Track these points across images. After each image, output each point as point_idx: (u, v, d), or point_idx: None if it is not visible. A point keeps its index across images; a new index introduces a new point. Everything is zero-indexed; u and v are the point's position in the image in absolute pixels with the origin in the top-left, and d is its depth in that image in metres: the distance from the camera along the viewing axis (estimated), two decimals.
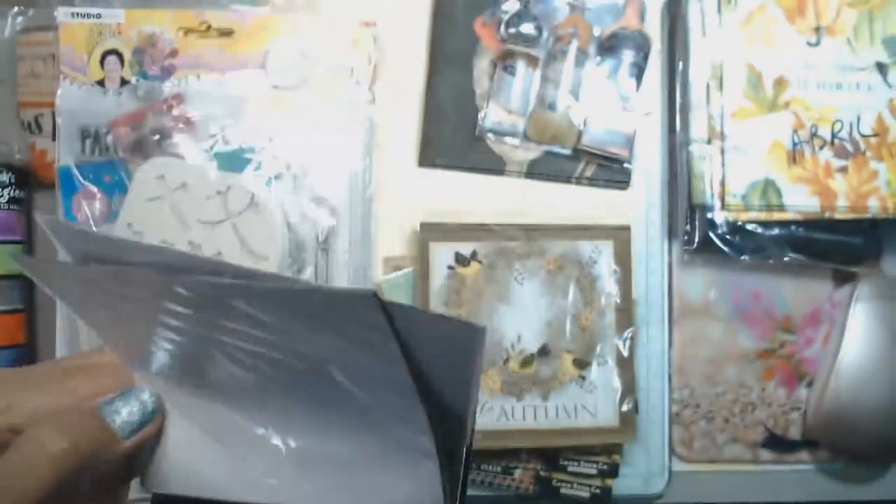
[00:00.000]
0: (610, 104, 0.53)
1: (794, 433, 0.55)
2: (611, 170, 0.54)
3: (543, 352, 0.52)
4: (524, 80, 0.53)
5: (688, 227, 0.53)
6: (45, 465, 0.22)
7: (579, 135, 0.53)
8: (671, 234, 0.55)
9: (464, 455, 0.25)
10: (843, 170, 0.52)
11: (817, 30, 0.53)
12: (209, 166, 0.49)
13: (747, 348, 0.55)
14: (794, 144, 0.52)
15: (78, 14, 0.51)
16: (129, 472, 0.27)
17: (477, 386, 0.23)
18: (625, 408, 0.52)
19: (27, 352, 0.54)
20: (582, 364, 0.52)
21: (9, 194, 0.52)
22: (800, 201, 0.52)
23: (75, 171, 0.50)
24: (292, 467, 0.26)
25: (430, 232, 0.52)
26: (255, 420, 0.26)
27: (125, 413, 0.24)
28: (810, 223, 0.52)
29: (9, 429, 0.23)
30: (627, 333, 0.52)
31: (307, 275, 0.49)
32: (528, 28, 0.53)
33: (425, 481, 0.25)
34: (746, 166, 0.52)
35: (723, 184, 0.52)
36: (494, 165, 0.53)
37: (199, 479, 0.26)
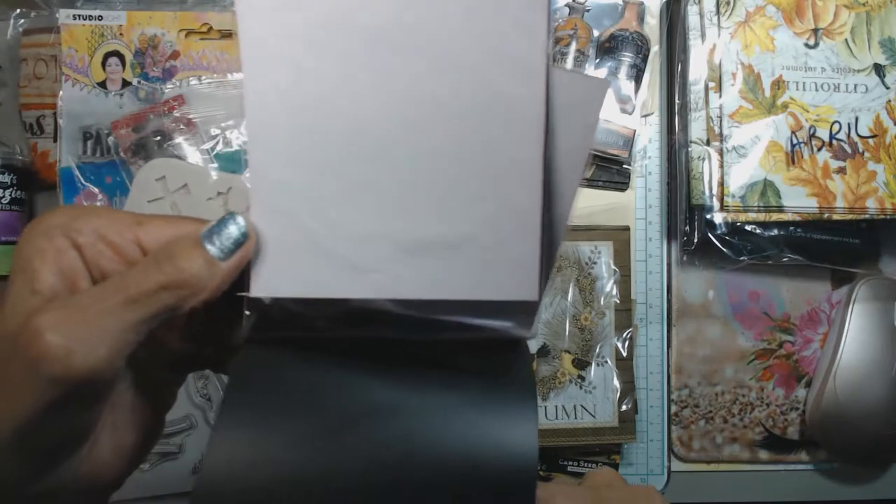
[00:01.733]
0: (609, 106, 0.53)
1: (793, 433, 0.55)
2: (610, 171, 0.54)
3: (543, 352, 0.52)
4: None
5: (687, 227, 0.54)
6: (153, 281, 0.23)
7: None
8: (670, 234, 0.55)
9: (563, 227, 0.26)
10: (842, 171, 0.52)
11: (815, 32, 0.53)
12: (210, 167, 0.49)
13: (746, 348, 0.55)
14: (793, 146, 0.52)
15: (80, 16, 0.51)
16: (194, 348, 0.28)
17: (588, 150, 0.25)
18: (624, 408, 0.52)
19: None
20: (581, 364, 0.52)
21: (10, 195, 0.52)
22: (798, 202, 0.52)
23: (77, 172, 0.51)
24: (402, 255, 0.25)
25: None
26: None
27: (222, 237, 0.25)
28: (809, 224, 0.52)
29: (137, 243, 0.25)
30: (627, 334, 0.52)
31: None
32: None
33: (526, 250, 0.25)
34: (745, 167, 0.52)
35: (721, 185, 0.52)
36: None
37: (307, 277, 0.26)
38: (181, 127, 0.51)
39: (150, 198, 0.48)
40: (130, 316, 0.23)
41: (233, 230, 0.25)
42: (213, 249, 0.25)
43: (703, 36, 0.53)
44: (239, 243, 0.25)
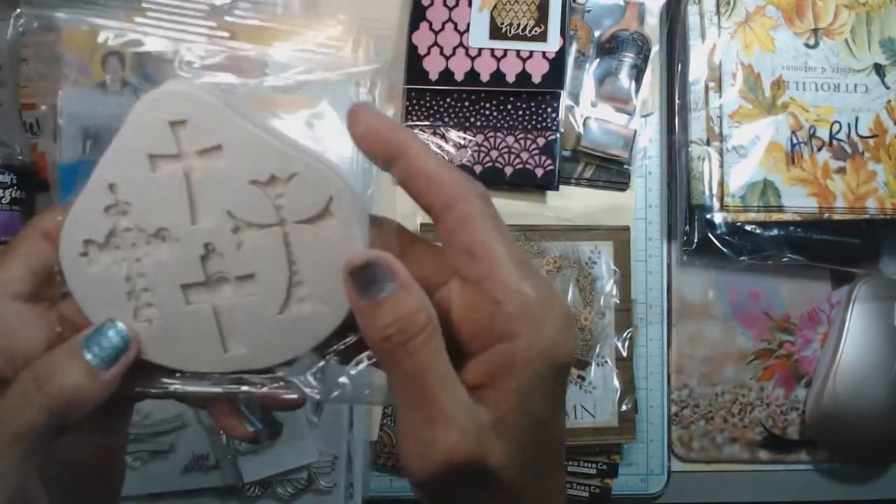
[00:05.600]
0: (610, 105, 0.53)
1: (793, 433, 0.55)
2: (610, 171, 0.54)
3: None
4: None
5: (687, 227, 0.54)
6: (36, 405, 0.23)
7: (579, 136, 0.53)
8: (670, 234, 0.55)
9: None
10: (842, 171, 0.52)
11: (815, 32, 0.53)
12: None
13: (746, 348, 0.55)
14: (793, 146, 0.52)
15: (80, 16, 0.51)
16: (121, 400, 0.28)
17: None
18: (624, 408, 0.52)
19: None
20: (581, 364, 0.52)
21: (10, 195, 0.52)
22: (798, 202, 0.52)
23: (77, 173, 0.51)
24: None
25: (430, 232, 0.52)
26: None
27: (99, 348, 0.25)
28: (809, 224, 0.52)
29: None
30: (626, 334, 0.52)
31: None
32: None
33: None
34: (745, 167, 0.52)
35: (721, 185, 0.52)
36: None
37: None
38: None
39: (154, 150, 0.28)
40: (19, 452, 0.23)
41: (113, 338, 0.25)
42: (93, 360, 0.24)
43: (703, 36, 0.53)
44: (120, 351, 0.25)
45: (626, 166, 0.54)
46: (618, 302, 0.52)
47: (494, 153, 0.53)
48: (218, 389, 0.27)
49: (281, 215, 0.28)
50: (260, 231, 0.28)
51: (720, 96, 0.52)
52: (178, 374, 0.27)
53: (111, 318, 0.25)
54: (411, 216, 0.52)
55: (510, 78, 0.52)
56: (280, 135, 0.30)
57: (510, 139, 0.53)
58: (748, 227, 0.52)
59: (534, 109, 0.53)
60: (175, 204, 0.28)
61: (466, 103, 0.53)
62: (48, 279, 0.26)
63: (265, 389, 0.27)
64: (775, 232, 0.52)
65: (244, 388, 0.27)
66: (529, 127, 0.53)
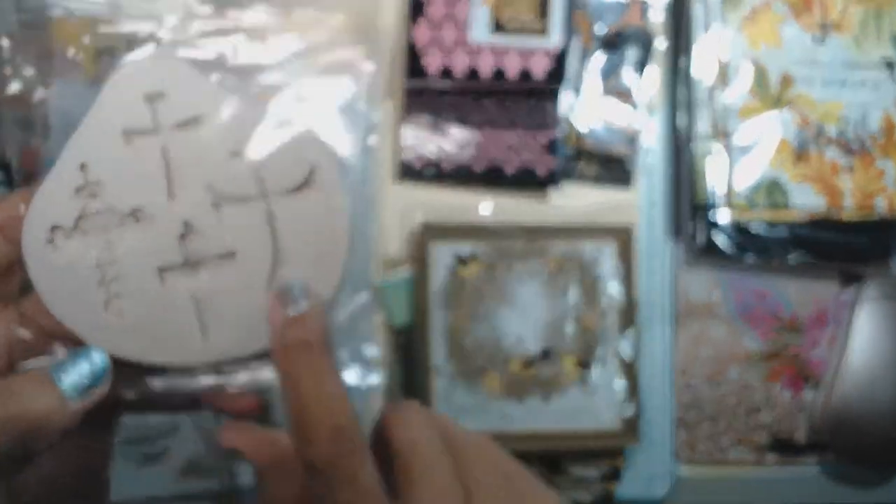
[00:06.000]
0: (613, 102, 0.53)
1: (800, 436, 0.54)
2: (613, 169, 0.53)
3: (545, 353, 0.51)
4: None
5: (691, 226, 0.53)
6: None
7: (581, 133, 0.52)
8: (675, 233, 0.54)
9: None
10: (850, 168, 0.51)
11: (823, 26, 0.52)
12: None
13: (752, 349, 0.54)
14: (800, 142, 0.51)
15: (72, 11, 0.50)
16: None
17: None
18: (627, 410, 0.51)
19: None
20: (584, 365, 0.51)
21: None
22: (805, 200, 0.51)
23: None
24: None
25: (430, 232, 0.51)
26: None
27: (77, 374, 0.23)
28: (816, 223, 0.52)
29: None
30: (630, 335, 0.52)
31: None
32: None
33: None
34: (751, 165, 0.51)
35: (727, 182, 0.51)
36: None
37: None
38: None
39: (129, 125, 0.27)
40: None
41: (86, 368, 0.24)
42: (66, 389, 0.23)
43: (708, 31, 0.52)
44: (97, 380, 0.24)
45: (629, 164, 0.53)
46: (621, 302, 0.52)
47: (495, 151, 0.52)
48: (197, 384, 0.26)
49: (263, 188, 0.26)
50: (242, 206, 0.26)
51: (726, 92, 0.51)
52: (157, 373, 0.26)
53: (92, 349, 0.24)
54: (411, 215, 0.52)
55: (511, 74, 0.51)
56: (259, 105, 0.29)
57: (511, 136, 0.52)
58: (754, 226, 0.51)
59: (535, 106, 0.52)
60: (151, 181, 0.26)
61: (467, 100, 0.52)
62: (3, 275, 0.25)
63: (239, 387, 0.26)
64: (782, 231, 0.52)
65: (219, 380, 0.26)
66: (531, 124, 0.52)
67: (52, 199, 0.26)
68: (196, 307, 0.26)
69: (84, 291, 0.25)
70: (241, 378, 0.26)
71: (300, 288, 0.24)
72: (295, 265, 0.26)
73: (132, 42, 0.37)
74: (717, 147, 0.51)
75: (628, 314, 0.52)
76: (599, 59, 0.53)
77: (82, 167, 0.27)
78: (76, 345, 0.25)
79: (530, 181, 0.52)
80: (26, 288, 0.25)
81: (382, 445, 0.24)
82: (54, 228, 0.26)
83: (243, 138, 0.27)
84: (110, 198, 0.26)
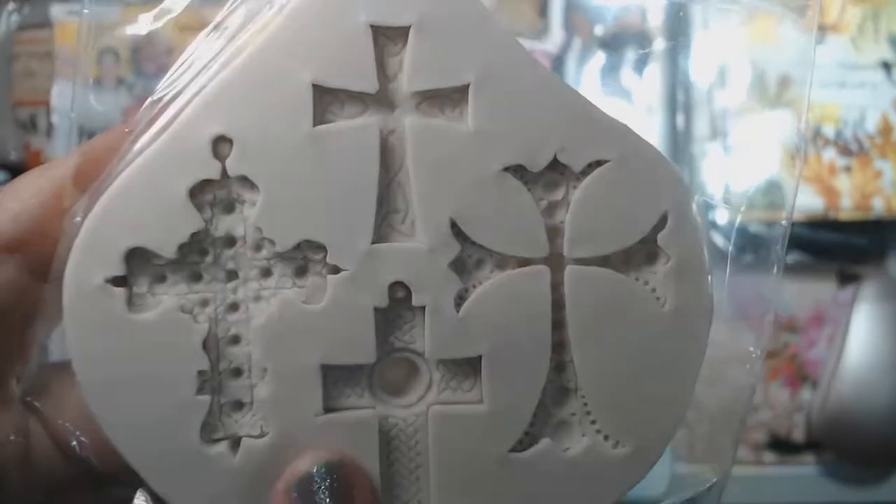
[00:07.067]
0: (611, 102, 0.53)
1: (798, 435, 0.54)
2: None
3: None
4: None
5: None
6: None
7: None
8: None
9: None
10: (847, 169, 0.51)
11: (821, 27, 0.52)
12: None
13: (750, 349, 0.54)
14: (798, 143, 0.52)
15: (74, 12, 0.51)
16: None
17: None
18: None
19: None
20: None
21: None
22: (803, 201, 0.51)
23: None
24: None
25: None
26: None
27: None
28: (814, 223, 0.52)
29: None
30: None
31: None
32: None
33: None
34: (748, 165, 0.51)
35: (724, 183, 0.51)
36: None
37: None
38: None
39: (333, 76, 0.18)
40: None
41: None
42: None
43: (706, 31, 0.52)
44: None
45: None
46: None
47: None
48: None
49: (557, 244, 0.15)
50: (511, 273, 0.15)
51: (723, 93, 0.52)
52: None
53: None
54: None
55: None
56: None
57: None
58: (751, 226, 0.51)
59: None
60: (350, 196, 0.14)
61: None
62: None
63: None
64: (780, 231, 0.52)
65: None
66: None
67: (135, 207, 0.15)
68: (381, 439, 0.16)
69: (175, 389, 0.14)
70: None
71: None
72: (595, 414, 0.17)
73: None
74: (714, 148, 0.52)
75: None
76: (597, 59, 0.53)
77: (215, 144, 0.16)
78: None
79: None
80: (39, 385, 0.15)
81: None
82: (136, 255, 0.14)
83: (543, 144, 0.18)
84: (259, 217, 0.15)
